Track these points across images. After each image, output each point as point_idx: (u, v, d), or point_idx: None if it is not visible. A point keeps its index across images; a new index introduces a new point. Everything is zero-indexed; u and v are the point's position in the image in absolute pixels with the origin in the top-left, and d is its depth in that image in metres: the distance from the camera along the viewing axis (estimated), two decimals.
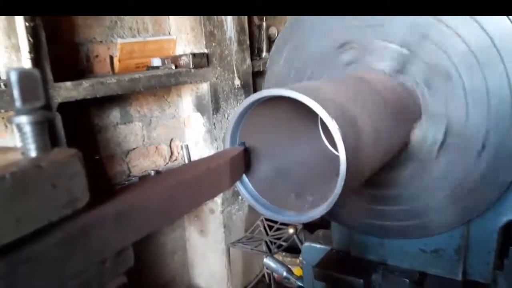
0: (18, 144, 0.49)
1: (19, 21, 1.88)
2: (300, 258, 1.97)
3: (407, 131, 1.19)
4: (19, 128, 0.47)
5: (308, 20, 1.37)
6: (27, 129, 0.46)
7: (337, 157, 0.77)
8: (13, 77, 0.44)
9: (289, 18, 1.43)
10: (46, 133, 0.48)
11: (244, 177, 0.94)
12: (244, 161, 0.92)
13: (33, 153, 0.47)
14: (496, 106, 1.09)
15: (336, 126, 0.75)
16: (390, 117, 1.05)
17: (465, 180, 1.16)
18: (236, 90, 3.22)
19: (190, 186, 0.70)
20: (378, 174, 1.24)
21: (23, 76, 0.45)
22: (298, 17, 1.38)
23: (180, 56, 2.84)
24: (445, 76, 1.15)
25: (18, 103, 0.45)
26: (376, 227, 1.37)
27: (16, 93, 0.45)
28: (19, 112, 0.46)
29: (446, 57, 1.14)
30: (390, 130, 1.04)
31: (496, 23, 1.06)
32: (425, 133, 1.20)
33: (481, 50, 1.09)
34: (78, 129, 2.49)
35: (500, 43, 1.06)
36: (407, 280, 1.36)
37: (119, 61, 2.66)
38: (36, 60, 1.96)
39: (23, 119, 0.46)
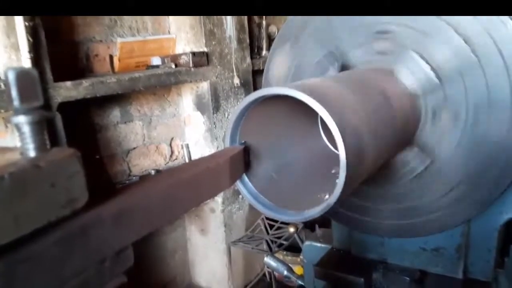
0: (18, 144, 0.48)
1: (19, 21, 1.88)
2: (301, 257, 1.97)
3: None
4: (18, 127, 0.47)
5: (306, 18, 1.37)
6: (26, 129, 0.46)
7: (337, 156, 0.77)
8: (11, 77, 0.44)
9: (289, 16, 1.43)
10: (44, 133, 0.48)
11: (244, 176, 0.94)
12: (244, 160, 0.91)
13: (31, 153, 0.47)
14: (486, 160, 1.12)
15: (336, 125, 0.75)
16: (389, 124, 1.05)
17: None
18: (236, 89, 3.22)
19: (190, 185, 0.70)
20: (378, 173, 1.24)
21: (21, 75, 0.44)
22: (294, 18, 1.38)
23: (180, 55, 2.84)
24: (453, 115, 1.16)
25: (16, 103, 0.45)
26: (376, 226, 1.37)
27: (14, 92, 0.44)
28: (17, 112, 0.46)
29: (465, 99, 1.13)
30: (387, 135, 1.04)
31: None
32: (407, 161, 1.23)
33: (499, 101, 1.09)
34: (79, 128, 2.49)
35: None
36: (408, 279, 1.36)
37: (119, 60, 2.66)
38: (36, 60, 1.96)
39: (22, 119, 0.46)
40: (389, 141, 1.05)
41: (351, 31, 1.28)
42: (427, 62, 1.16)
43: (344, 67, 1.29)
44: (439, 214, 1.24)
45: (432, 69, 1.16)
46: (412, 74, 1.19)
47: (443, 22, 1.12)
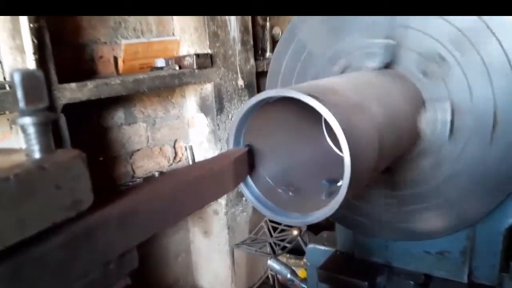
0: (23, 145, 0.48)
1: (24, 23, 1.89)
2: (305, 260, 1.97)
3: (414, 122, 1.17)
4: (23, 129, 0.47)
5: (310, 22, 1.37)
6: (31, 130, 0.46)
7: (342, 158, 0.77)
8: (17, 78, 0.44)
9: (293, 18, 1.43)
10: (50, 134, 0.48)
11: (248, 178, 0.94)
12: (248, 162, 0.91)
13: (37, 155, 0.47)
14: (498, 78, 1.08)
15: (340, 128, 0.75)
16: (395, 113, 1.04)
17: (481, 167, 1.14)
18: (240, 91, 3.22)
19: (194, 187, 0.69)
20: (392, 173, 1.25)
21: (27, 77, 0.44)
22: (301, 17, 1.38)
23: (184, 56, 2.84)
24: (437, 59, 1.15)
25: (22, 104, 0.45)
26: (381, 229, 1.37)
27: (20, 94, 0.44)
28: (23, 113, 0.46)
29: (434, 41, 1.14)
30: (396, 126, 1.03)
31: None
32: (432, 118, 1.18)
33: (468, 27, 1.09)
34: (83, 130, 2.49)
35: (487, 17, 1.07)
36: (412, 283, 1.35)
37: (123, 62, 2.67)
38: (41, 61, 1.96)
39: (27, 120, 0.46)
40: (398, 132, 1.04)
41: (417, 33, 1.22)
42: (452, 118, 1.15)
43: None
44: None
45: (452, 125, 1.16)
46: (432, 121, 1.18)
47: (490, 91, 1.09)
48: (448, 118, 1.15)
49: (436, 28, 1.13)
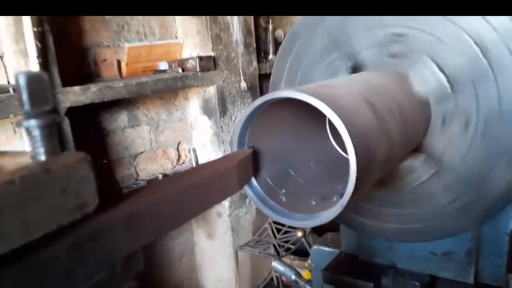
0: (27, 148, 0.48)
1: (27, 26, 1.89)
2: (309, 261, 1.96)
3: (403, 157, 1.19)
4: (28, 132, 0.46)
5: (318, 18, 1.36)
6: (36, 132, 0.46)
7: (347, 159, 0.77)
8: (22, 81, 0.44)
9: (295, 21, 1.42)
10: (55, 137, 0.47)
11: (253, 179, 0.94)
12: (252, 164, 0.91)
13: (42, 157, 0.47)
14: (493, 170, 1.12)
15: (345, 129, 0.74)
16: (400, 130, 1.04)
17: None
18: (243, 93, 3.22)
19: (199, 189, 0.69)
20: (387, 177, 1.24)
21: (32, 79, 0.44)
22: (305, 19, 1.38)
23: (187, 59, 2.85)
24: (463, 123, 1.15)
25: (27, 107, 0.45)
26: (384, 230, 1.36)
27: (25, 96, 0.44)
28: (28, 116, 0.45)
29: (475, 107, 1.13)
30: (397, 141, 1.03)
31: None
32: (414, 167, 1.23)
33: (509, 113, 1.09)
34: (86, 133, 2.50)
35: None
36: (418, 284, 1.35)
37: (127, 65, 2.67)
38: (44, 65, 1.97)
39: (32, 123, 0.45)
40: (399, 147, 1.04)
41: (366, 31, 1.25)
42: (441, 69, 1.15)
43: (355, 68, 1.28)
44: (440, 222, 1.25)
45: (445, 76, 1.15)
46: (425, 80, 1.18)
47: (461, 30, 1.10)
48: (435, 68, 1.17)
49: (486, 98, 1.11)
